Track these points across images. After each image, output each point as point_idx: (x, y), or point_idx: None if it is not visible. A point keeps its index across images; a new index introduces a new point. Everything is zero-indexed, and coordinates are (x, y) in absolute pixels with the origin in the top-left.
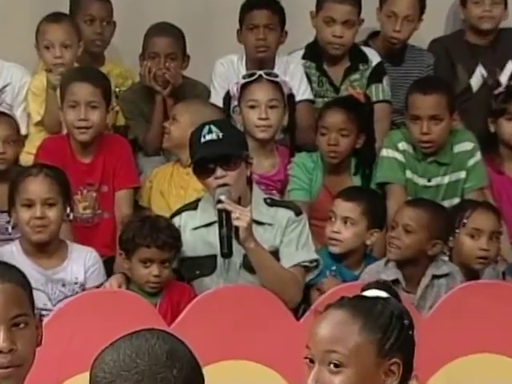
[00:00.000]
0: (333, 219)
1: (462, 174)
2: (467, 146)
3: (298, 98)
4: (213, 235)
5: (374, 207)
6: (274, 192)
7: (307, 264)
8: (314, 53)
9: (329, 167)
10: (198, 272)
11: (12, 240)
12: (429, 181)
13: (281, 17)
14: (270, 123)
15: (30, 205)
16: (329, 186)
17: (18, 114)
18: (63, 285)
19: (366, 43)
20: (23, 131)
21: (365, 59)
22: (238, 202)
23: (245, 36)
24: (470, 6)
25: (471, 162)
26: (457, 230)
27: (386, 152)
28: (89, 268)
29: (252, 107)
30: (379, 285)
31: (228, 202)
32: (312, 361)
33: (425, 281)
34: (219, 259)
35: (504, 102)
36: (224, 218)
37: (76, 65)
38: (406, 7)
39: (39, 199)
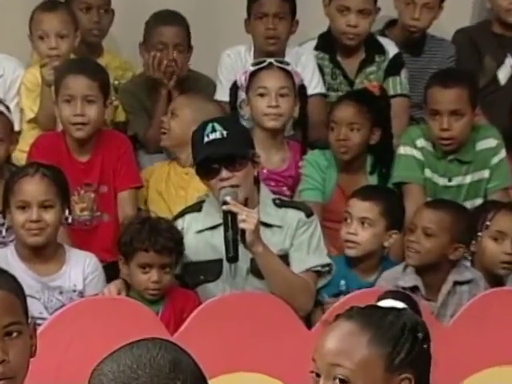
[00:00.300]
0: (348, 220)
1: (485, 173)
2: (491, 142)
3: (309, 92)
4: (218, 239)
5: (393, 207)
6: (285, 189)
7: (319, 269)
8: (327, 43)
9: (343, 165)
10: (202, 278)
11: (6, 244)
12: (449, 180)
13: (291, 5)
14: (280, 112)
15: (25, 207)
16: (343, 185)
17: (11, 109)
18: (60, 292)
19: (382, 33)
20: (16, 127)
21: (381, 50)
22: (245, 203)
23: (253, 25)
24: None
25: (495, 160)
26: (479, 233)
27: (403, 149)
28: (88, 275)
29: (261, 95)
30: (396, 294)
31: (234, 204)
32: (318, 375)
33: (446, 287)
34: (225, 264)
35: None
36: (230, 220)
37: (72, 56)
38: None
39: (35, 201)
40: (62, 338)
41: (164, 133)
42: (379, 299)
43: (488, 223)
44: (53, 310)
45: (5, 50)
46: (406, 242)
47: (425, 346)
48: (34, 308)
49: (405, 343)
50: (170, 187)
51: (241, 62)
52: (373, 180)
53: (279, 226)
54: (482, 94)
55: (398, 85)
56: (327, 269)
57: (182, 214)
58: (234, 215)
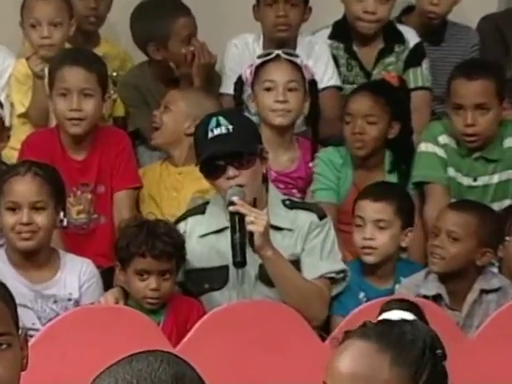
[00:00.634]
0: (361, 225)
1: None
2: None
3: (323, 85)
4: (224, 243)
5: (405, 203)
6: (295, 191)
7: (333, 275)
8: (343, 32)
9: (359, 162)
10: (207, 286)
11: None
12: (475, 180)
13: None
14: (288, 107)
15: (15, 208)
16: (359, 184)
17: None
18: (55, 301)
19: (398, 20)
20: (6, 122)
21: (401, 39)
22: (253, 204)
23: (262, 12)
24: None
25: None
26: (507, 238)
27: (424, 147)
28: (84, 282)
29: (268, 89)
30: (402, 304)
31: (241, 204)
32: None
33: (472, 296)
34: (231, 270)
35: None
36: (237, 222)
37: (67, 46)
38: None
39: (26, 202)
40: (56, 351)
41: (156, 128)
42: (384, 310)
43: None
44: (46, 320)
45: None
46: (429, 248)
47: (443, 363)
48: (26, 318)
49: (427, 363)
50: (163, 189)
51: (249, 53)
52: (391, 179)
53: (290, 229)
54: (510, 86)
55: (418, 77)
56: (342, 275)
57: (184, 217)
58: (241, 217)
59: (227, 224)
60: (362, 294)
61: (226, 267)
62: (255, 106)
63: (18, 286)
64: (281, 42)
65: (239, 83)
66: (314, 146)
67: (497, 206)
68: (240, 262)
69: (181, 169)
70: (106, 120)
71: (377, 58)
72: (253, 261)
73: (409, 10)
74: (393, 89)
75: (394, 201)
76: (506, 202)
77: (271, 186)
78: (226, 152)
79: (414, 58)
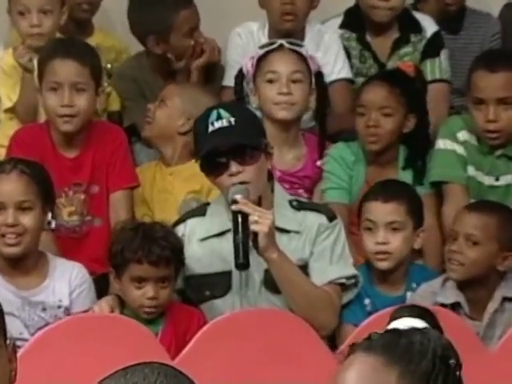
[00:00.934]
0: (372, 228)
1: None
2: None
3: (333, 77)
4: (226, 247)
5: (414, 202)
6: (301, 191)
7: (344, 281)
8: (355, 21)
9: (372, 158)
10: (208, 293)
11: None
12: (497, 179)
13: None
14: (292, 100)
15: (0, 209)
16: (372, 182)
17: None
18: (43, 309)
19: (414, 7)
20: None
21: (418, 28)
22: (258, 203)
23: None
24: None
25: None
26: None
27: (442, 143)
28: (75, 288)
29: (270, 81)
30: (413, 311)
31: (245, 203)
32: None
33: (493, 305)
34: (235, 276)
35: None
36: (240, 221)
37: (58, 35)
38: None
39: (12, 202)
40: (46, 362)
41: (149, 122)
42: (393, 318)
43: None
44: (35, 329)
45: None
46: (446, 253)
47: (457, 374)
48: (13, 327)
49: (438, 376)
50: (155, 192)
51: (253, 43)
52: (405, 176)
53: (297, 232)
54: None
55: (436, 68)
56: (353, 281)
57: (182, 219)
58: (244, 216)
59: (230, 226)
60: (367, 301)
61: (229, 273)
62: (257, 100)
63: (4, 292)
64: (287, 31)
65: (240, 76)
66: (322, 143)
67: None
68: (243, 264)
69: (171, 169)
70: (99, 115)
71: (392, 49)
72: (257, 265)
73: None
74: (409, 79)
75: (404, 200)
76: None
77: (277, 184)
78: (228, 145)
79: (432, 48)
